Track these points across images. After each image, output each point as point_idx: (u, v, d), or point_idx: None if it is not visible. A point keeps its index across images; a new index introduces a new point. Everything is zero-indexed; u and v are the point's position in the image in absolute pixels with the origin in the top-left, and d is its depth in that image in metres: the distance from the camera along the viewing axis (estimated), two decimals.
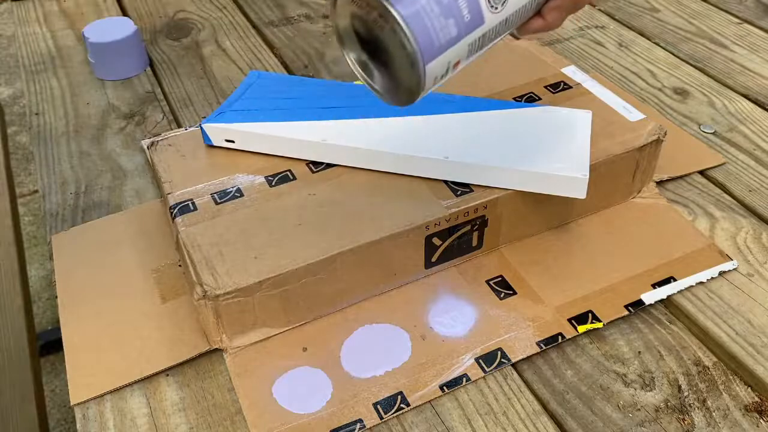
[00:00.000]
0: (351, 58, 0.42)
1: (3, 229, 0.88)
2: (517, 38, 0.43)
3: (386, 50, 0.38)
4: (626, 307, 0.54)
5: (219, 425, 0.48)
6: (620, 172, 0.60)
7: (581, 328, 0.52)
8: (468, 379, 0.49)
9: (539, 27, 0.42)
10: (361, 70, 0.42)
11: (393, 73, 0.40)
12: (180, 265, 0.58)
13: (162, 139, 0.63)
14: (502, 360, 0.50)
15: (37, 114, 0.78)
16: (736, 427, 0.47)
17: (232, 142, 0.60)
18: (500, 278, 0.56)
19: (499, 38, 0.41)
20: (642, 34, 0.90)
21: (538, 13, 0.42)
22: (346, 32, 0.40)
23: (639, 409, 0.48)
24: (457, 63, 0.39)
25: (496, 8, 0.39)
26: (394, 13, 0.36)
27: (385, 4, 0.36)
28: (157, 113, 0.77)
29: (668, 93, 0.79)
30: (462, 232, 0.55)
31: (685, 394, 0.49)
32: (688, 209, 0.63)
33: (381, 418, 0.47)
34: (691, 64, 0.84)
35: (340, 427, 0.47)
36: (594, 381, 0.50)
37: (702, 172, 0.68)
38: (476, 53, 0.40)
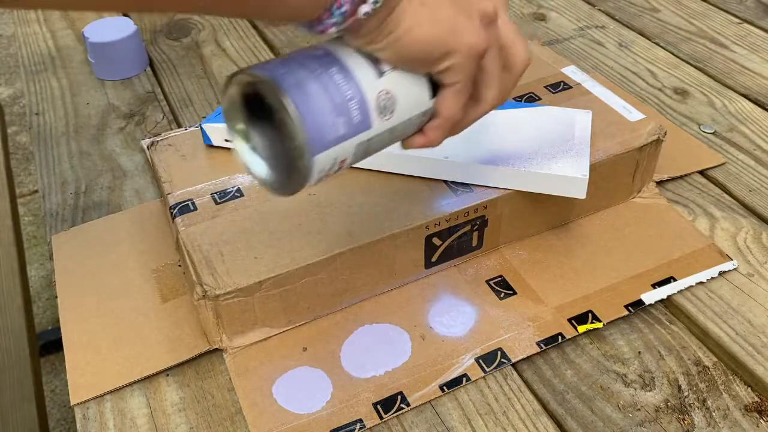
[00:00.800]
0: (237, 134, 0.41)
1: (3, 229, 0.88)
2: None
3: (276, 134, 0.38)
4: (626, 307, 0.54)
5: (219, 425, 0.48)
6: (620, 172, 0.60)
7: (581, 328, 0.52)
8: (468, 379, 0.49)
9: (420, 143, 0.43)
10: (245, 150, 0.41)
11: (279, 159, 0.40)
12: (180, 265, 0.58)
13: (162, 139, 0.63)
14: (502, 360, 0.50)
15: (37, 114, 0.78)
16: (736, 427, 0.47)
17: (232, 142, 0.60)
18: (500, 278, 0.56)
19: (384, 145, 0.42)
20: (642, 34, 0.90)
21: (421, 129, 0.43)
22: (234, 105, 0.39)
23: (639, 409, 0.48)
24: (344, 161, 0.40)
25: (384, 116, 0.40)
26: (288, 104, 0.36)
27: (280, 94, 0.36)
28: (157, 113, 0.77)
29: (668, 93, 0.79)
30: (462, 232, 0.55)
31: (685, 394, 0.49)
32: (688, 209, 0.63)
33: (381, 418, 0.47)
34: (691, 64, 0.84)
35: (340, 427, 0.47)
36: (594, 381, 0.50)
37: (702, 172, 0.68)
38: (363, 155, 0.41)
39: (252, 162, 0.41)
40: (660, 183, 0.65)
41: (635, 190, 0.63)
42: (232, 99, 0.39)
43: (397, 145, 0.57)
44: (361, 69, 0.39)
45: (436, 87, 0.41)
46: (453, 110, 0.42)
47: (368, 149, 0.41)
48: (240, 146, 0.41)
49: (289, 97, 0.36)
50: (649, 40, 0.89)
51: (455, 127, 0.43)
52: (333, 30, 0.36)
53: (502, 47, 0.42)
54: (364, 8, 0.35)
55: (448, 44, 0.38)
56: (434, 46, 0.38)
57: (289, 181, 0.39)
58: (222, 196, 0.56)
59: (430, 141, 0.43)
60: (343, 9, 0.35)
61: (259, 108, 0.38)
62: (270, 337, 0.52)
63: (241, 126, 0.40)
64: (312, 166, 0.38)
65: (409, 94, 0.41)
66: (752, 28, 0.91)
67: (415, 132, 0.43)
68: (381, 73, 0.39)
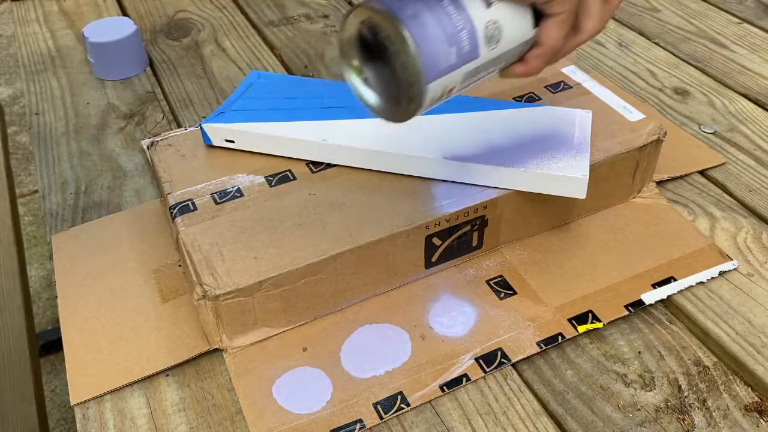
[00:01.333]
0: (350, 69, 0.44)
1: (3, 229, 0.88)
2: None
3: (390, 67, 0.41)
4: (626, 307, 0.54)
5: (219, 425, 0.48)
6: (620, 172, 0.60)
7: (581, 328, 0.52)
8: (468, 379, 0.49)
9: (521, 72, 0.46)
10: (358, 83, 0.44)
11: (392, 90, 0.42)
12: (180, 265, 0.58)
13: (162, 139, 0.63)
14: (502, 360, 0.50)
15: (37, 114, 0.78)
16: (736, 427, 0.47)
17: (232, 142, 0.60)
18: (500, 278, 0.56)
19: (487, 74, 0.44)
20: (642, 34, 0.90)
21: (522, 58, 0.45)
22: (350, 43, 0.42)
23: (639, 409, 0.48)
24: (452, 89, 0.42)
25: (491, 46, 0.42)
26: (405, 33, 0.38)
27: (397, 24, 0.38)
28: (157, 113, 0.77)
29: (668, 93, 0.79)
30: (462, 232, 0.55)
31: (685, 394, 0.49)
32: (688, 209, 0.63)
33: (381, 418, 0.47)
34: (691, 64, 0.84)
35: (340, 427, 0.47)
36: (594, 381, 0.50)
37: (702, 172, 0.68)
38: (468, 83, 0.43)
39: (365, 94, 0.44)
40: (660, 183, 0.65)
41: (635, 190, 0.63)
42: (351, 36, 0.42)
43: (397, 145, 0.57)
44: (471, 0, 0.41)
45: (538, 17, 0.43)
46: (555, 39, 0.44)
47: (474, 78, 0.43)
48: (354, 80, 0.44)
49: (407, 28, 0.38)
50: (649, 40, 0.89)
51: (555, 56, 0.45)
52: None
53: None
54: None
55: None
56: None
57: (401, 109, 0.42)
58: (222, 196, 0.56)
59: (530, 69, 0.45)
60: None
61: (373, 43, 0.41)
62: (270, 337, 0.52)
63: (355, 61, 0.43)
64: (425, 93, 0.40)
65: (514, 24, 0.42)
66: (752, 28, 0.91)
67: (516, 61, 0.45)
68: (489, 4, 0.41)
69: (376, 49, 0.41)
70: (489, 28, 0.41)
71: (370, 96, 0.44)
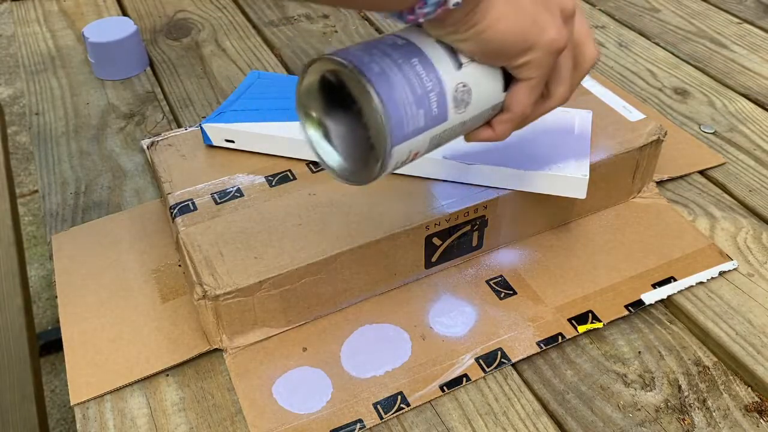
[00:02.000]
0: (308, 122, 0.40)
1: (3, 229, 0.88)
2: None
3: (354, 124, 0.38)
4: (626, 307, 0.54)
5: (219, 425, 0.48)
6: (620, 172, 0.60)
7: (581, 328, 0.52)
8: (468, 379, 0.49)
9: (486, 137, 0.44)
10: (317, 138, 0.40)
11: (354, 149, 0.39)
12: (180, 265, 0.58)
13: (162, 139, 0.63)
14: (502, 360, 0.50)
15: (37, 114, 0.78)
16: (736, 427, 0.47)
17: (232, 142, 0.60)
18: (500, 278, 0.56)
19: (453, 137, 0.42)
20: (642, 34, 0.90)
21: (488, 123, 0.44)
22: (310, 92, 0.39)
23: (639, 409, 0.48)
24: (417, 153, 0.40)
25: (460, 109, 0.40)
26: (372, 93, 0.36)
27: (364, 82, 0.36)
28: (157, 113, 0.77)
29: (668, 93, 0.79)
30: (462, 232, 0.55)
31: (685, 394, 0.49)
32: (688, 209, 0.63)
33: (381, 418, 0.47)
34: (691, 64, 0.84)
35: (340, 427, 0.47)
36: (594, 381, 0.50)
37: (702, 172, 0.68)
38: (433, 148, 0.41)
39: (323, 151, 0.40)
40: (660, 183, 0.65)
41: (635, 190, 0.63)
42: (311, 85, 0.39)
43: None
44: (441, 60, 0.39)
45: (508, 81, 0.42)
46: (525, 105, 0.42)
47: (440, 141, 0.41)
48: (312, 134, 0.40)
49: (375, 87, 0.36)
50: (649, 40, 0.89)
51: (523, 122, 0.44)
52: (422, 19, 0.37)
53: (576, 44, 0.42)
54: None
55: (531, 39, 0.39)
56: (517, 39, 0.39)
57: (362, 171, 0.39)
58: (222, 196, 0.56)
59: (497, 135, 0.44)
60: None
61: (335, 96, 0.38)
62: (270, 337, 0.52)
63: (315, 114, 0.40)
64: (390, 157, 0.37)
65: (484, 87, 0.41)
66: (752, 28, 0.91)
67: (482, 125, 0.44)
68: (459, 65, 0.39)
69: (339, 103, 0.38)
70: (458, 90, 0.39)
71: (330, 154, 0.40)
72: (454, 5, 0.35)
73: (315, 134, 0.40)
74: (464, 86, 0.39)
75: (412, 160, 0.40)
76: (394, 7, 0.36)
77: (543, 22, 0.39)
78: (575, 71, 0.43)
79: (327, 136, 0.40)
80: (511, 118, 0.43)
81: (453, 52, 0.39)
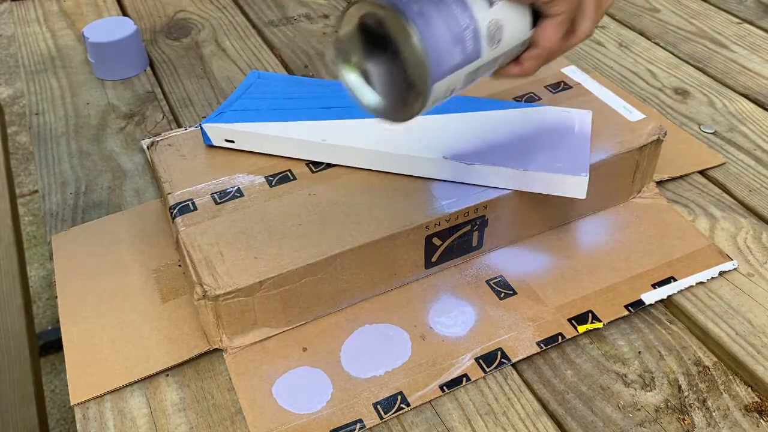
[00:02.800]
0: (348, 67, 0.42)
1: (3, 229, 0.88)
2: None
3: (394, 65, 0.40)
4: (626, 307, 0.54)
5: (219, 425, 0.48)
6: (620, 172, 0.60)
7: (581, 328, 0.52)
8: (468, 379, 0.49)
9: (516, 72, 0.46)
10: (356, 81, 0.42)
11: (394, 89, 0.41)
12: (180, 265, 0.58)
13: (162, 139, 0.63)
14: (502, 360, 0.50)
15: (37, 114, 0.78)
16: (736, 427, 0.47)
17: (232, 142, 0.60)
18: (500, 278, 0.56)
19: (485, 74, 0.44)
20: (642, 34, 0.90)
21: (517, 59, 0.45)
22: (349, 38, 0.41)
23: (639, 409, 0.48)
24: (453, 89, 0.41)
25: (493, 45, 0.42)
26: (412, 31, 0.37)
27: (404, 21, 0.37)
28: (157, 113, 0.77)
29: (668, 93, 0.79)
30: (462, 232, 0.55)
31: (685, 394, 0.49)
32: (688, 209, 0.63)
33: (381, 418, 0.47)
34: (691, 64, 0.84)
35: (340, 427, 0.47)
36: (594, 381, 0.50)
37: (702, 172, 0.68)
38: (469, 83, 0.43)
39: (363, 94, 0.42)
40: (660, 183, 0.65)
41: (635, 190, 0.63)
42: (349, 28, 0.40)
43: (397, 145, 0.57)
44: None
45: (536, 18, 0.43)
46: (552, 41, 0.44)
47: (474, 77, 0.42)
48: (352, 79, 0.42)
49: (414, 26, 0.37)
50: (649, 40, 0.89)
51: (549, 58, 0.45)
52: None
53: None
54: None
55: None
56: None
57: (404, 109, 0.41)
58: (222, 196, 0.56)
59: (525, 70, 0.45)
60: None
61: (373, 39, 0.39)
62: (270, 337, 0.52)
63: (354, 58, 0.41)
64: (430, 93, 0.39)
65: (514, 23, 0.42)
66: (752, 28, 0.91)
67: (511, 61, 0.45)
68: (491, 3, 0.41)
69: (377, 46, 0.40)
70: (491, 27, 0.41)
71: (371, 95, 0.42)
72: None
73: (355, 79, 0.42)
74: (496, 23, 0.41)
75: (449, 96, 0.42)
76: None
77: None
78: (598, 7, 0.45)
79: (366, 79, 0.42)
80: (539, 53, 0.44)
81: None
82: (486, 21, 0.41)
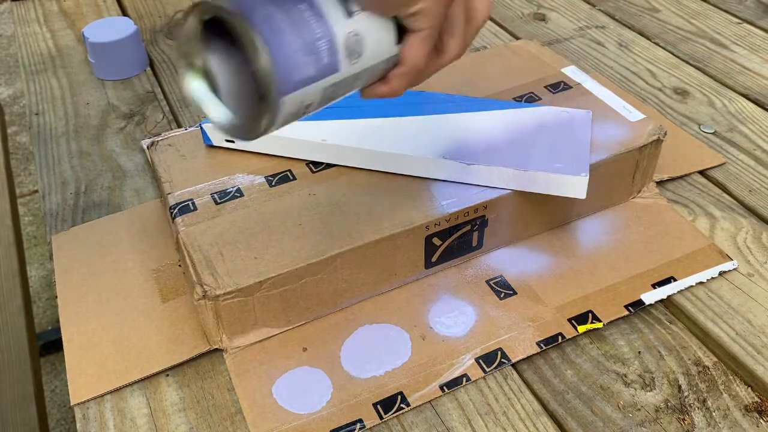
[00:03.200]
0: (192, 72, 0.38)
1: (3, 229, 0.88)
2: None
3: (240, 74, 0.36)
4: (626, 307, 0.54)
5: (219, 425, 0.48)
6: (620, 172, 0.60)
7: (581, 328, 0.52)
8: (468, 379, 0.49)
9: (383, 92, 0.43)
10: (201, 90, 0.38)
11: (241, 101, 0.38)
12: (180, 265, 0.58)
13: (162, 139, 0.63)
14: (502, 360, 0.50)
15: (37, 114, 0.78)
16: (736, 427, 0.47)
17: (232, 142, 0.60)
18: (500, 278, 0.56)
19: (348, 92, 0.41)
20: (642, 34, 0.90)
21: (384, 77, 0.43)
22: (192, 41, 0.37)
23: (639, 409, 0.48)
24: (309, 105, 0.38)
25: (352, 60, 0.39)
26: (257, 39, 0.34)
27: (248, 28, 0.34)
28: (157, 113, 0.77)
29: (668, 93, 0.79)
30: (462, 232, 0.55)
31: (685, 394, 0.49)
32: (688, 209, 0.63)
33: (381, 418, 0.47)
34: (691, 64, 0.84)
35: (340, 427, 0.47)
36: (594, 381, 0.50)
37: (702, 172, 0.68)
38: (327, 102, 0.40)
39: (210, 103, 0.38)
40: (660, 183, 0.65)
41: (635, 190, 0.63)
42: (193, 31, 0.36)
43: (397, 145, 0.57)
44: (330, 7, 0.37)
45: (401, 33, 0.41)
46: (418, 58, 0.41)
47: (333, 95, 0.39)
48: (197, 86, 0.38)
49: (260, 34, 0.34)
50: (649, 40, 0.89)
51: (418, 77, 0.43)
52: None
53: None
54: None
55: None
56: None
57: (252, 125, 0.37)
58: (222, 196, 0.56)
59: (392, 90, 0.43)
60: None
61: (220, 43, 0.36)
62: (270, 337, 0.52)
63: (199, 63, 0.37)
64: (279, 108, 0.36)
65: (376, 38, 0.39)
66: (752, 28, 0.91)
67: (378, 80, 0.42)
68: (350, 13, 0.38)
69: (223, 48, 0.36)
70: (350, 39, 0.38)
71: (218, 108, 0.38)
72: None
73: (200, 86, 0.38)
74: (356, 35, 0.38)
75: (306, 113, 0.38)
76: None
77: None
78: (467, 25, 0.43)
79: (214, 88, 0.38)
80: (406, 71, 0.42)
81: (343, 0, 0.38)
82: (344, 32, 0.37)
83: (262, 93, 0.35)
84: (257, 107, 0.36)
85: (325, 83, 0.38)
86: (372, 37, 0.39)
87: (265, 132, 0.37)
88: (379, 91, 0.43)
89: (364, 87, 0.42)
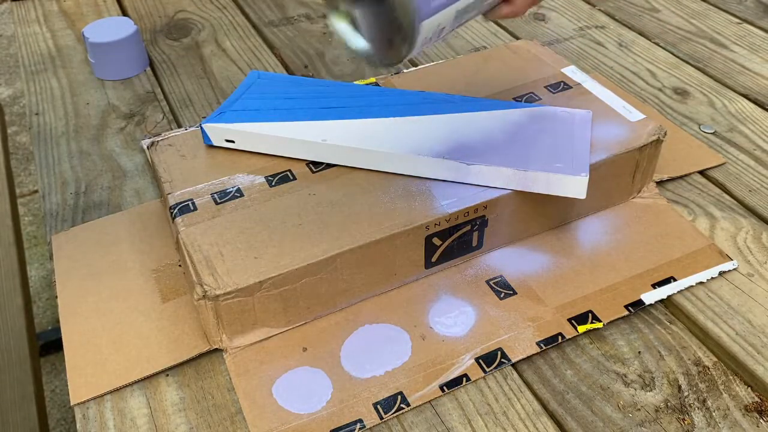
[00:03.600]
0: (337, 15, 0.43)
1: (3, 229, 0.88)
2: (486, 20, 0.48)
3: (381, 7, 0.40)
4: (626, 307, 0.54)
5: (219, 425, 0.48)
6: (620, 172, 0.60)
7: (581, 328, 0.52)
8: (468, 379, 0.49)
9: (507, 12, 0.47)
10: (346, 28, 0.43)
11: (383, 32, 0.41)
12: (180, 265, 0.58)
13: (162, 139, 0.63)
14: (502, 360, 0.50)
15: (37, 114, 0.78)
16: (736, 427, 0.47)
17: (232, 142, 0.60)
18: (500, 278, 0.56)
19: (475, 14, 0.44)
20: (642, 34, 0.90)
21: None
22: None
23: (639, 409, 0.48)
24: (443, 28, 0.41)
25: None
26: None
27: None
28: (157, 113, 0.77)
29: (668, 93, 0.79)
30: (462, 232, 0.55)
31: (685, 394, 0.49)
32: (688, 209, 0.63)
33: (381, 418, 0.47)
34: (691, 64, 0.84)
35: (340, 427, 0.47)
36: (594, 381, 0.50)
37: (702, 172, 0.68)
38: (458, 22, 0.43)
39: (355, 39, 0.43)
40: (660, 183, 0.65)
41: (635, 190, 0.63)
42: None
43: (397, 145, 0.57)
44: None
45: None
46: None
47: (463, 17, 0.43)
48: (340, 26, 0.43)
49: None
50: (649, 40, 0.89)
51: None
52: None
53: None
54: None
55: None
56: None
57: (394, 51, 0.41)
58: (222, 196, 0.56)
59: (516, 9, 0.46)
60: None
61: None
62: (270, 337, 0.52)
63: (342, 5, 0.42)
64: (419, 32, 0.39)
65: None
66: (752, 28, 0.91)
67: (502, 1, 0.46)
68: None
69: None
70: None
71: (360, 41, 0.43)
72: None
73: (344, 25, 0.43)
74: None
75: (439, 36, 0.42)
76: None
77: None
78: None
79: (356, 25, 0.42)
80: None
81: None
82: None
83: (403, 20, 0.39)
84: (399, 34, 0.40)
85: (458, 6, 0.41)
86: None
87: (407, 56, 0.41)
88: (504, 12, 0.46)
89: (491, 7, 0.46)
